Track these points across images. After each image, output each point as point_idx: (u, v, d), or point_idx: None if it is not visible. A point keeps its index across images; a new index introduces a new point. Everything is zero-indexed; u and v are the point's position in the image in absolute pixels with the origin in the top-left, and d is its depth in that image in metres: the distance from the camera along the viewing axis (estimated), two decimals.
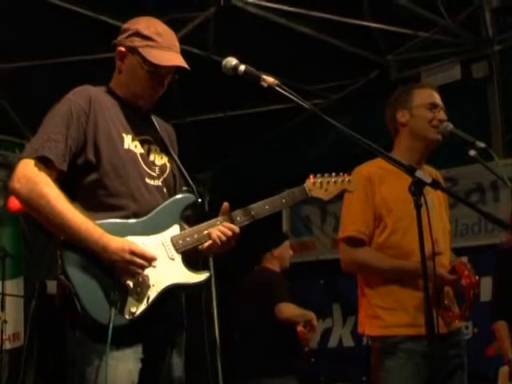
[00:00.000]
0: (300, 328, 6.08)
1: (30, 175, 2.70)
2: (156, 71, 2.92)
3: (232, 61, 2.79)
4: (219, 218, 2.92)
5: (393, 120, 3.84)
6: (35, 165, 2.71)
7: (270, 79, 2.73)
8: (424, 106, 3.74)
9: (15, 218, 7.44)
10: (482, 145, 3.46)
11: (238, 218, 2.93)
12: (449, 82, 7.19)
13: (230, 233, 2.88)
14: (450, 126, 3.59)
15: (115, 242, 2.68)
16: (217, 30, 6.53)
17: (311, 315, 6.18)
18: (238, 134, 7.99)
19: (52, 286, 6.17)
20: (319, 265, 7.74)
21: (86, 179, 2.80)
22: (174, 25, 6.26)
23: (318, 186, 3.13)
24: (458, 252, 4.05)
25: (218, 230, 2.88)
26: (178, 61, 2.97)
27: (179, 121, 7.63)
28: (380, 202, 3.68)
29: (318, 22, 6.72)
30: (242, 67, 2.77)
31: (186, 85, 6.90)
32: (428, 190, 2.74)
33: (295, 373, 6.10)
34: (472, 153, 3.47)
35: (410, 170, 2.69)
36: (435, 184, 2.68)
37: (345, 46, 7.15)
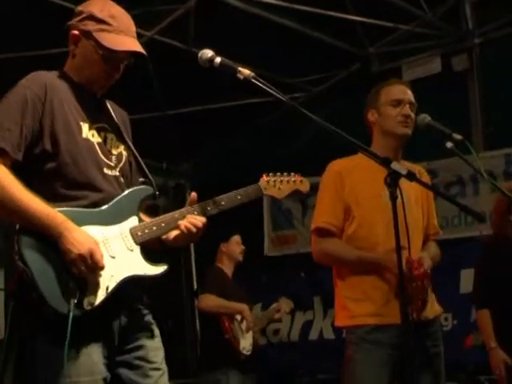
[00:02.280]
0: (223, 318, 6.14)
1: None
2: (111, 56, 2.84)
3: (208, 53, 2.77)
4: (177, 212, 2.91)
5: (366, 120, 3.95)
6: None
7: (246, 71, 2.72)
8: (388, 104, 3.84)
9: None
10: (459, 137, 3.49)
11: (195, 213, 2.92)
12: (429, 74, 7.23)
13: (200, 224, 2.88)
14: (428, 118, 3.61)
15: (79, 233, 2.63)
16: (197, 22, 6.50)
17: (240, 307, 6.27)
18: (219, 127, 7.98)
19: None
20: (300, 258, 7.74)
21: (42, 169, 2.73)
22: (155, 17, 6.31)
23: (271, 184, 3.19)
24: (438, 244, 4.07)
25: (188, 221, 2.87)
26: (134, 46, 2.89)
27: (160, 113, 7.63)
28: (349, 195, 3.78)
29: (299, 14, 6.71)
30: (218, 59, 2.75)
31: (166, 78, 6.94)
32: (405, 184, 2.75)
33: (231, 366, 6.13)
34: (449, 145, 3.50)
35: (385, 162, 2.70)
36: (411, 176, 2.69)
37: (326, 38, 7.14)
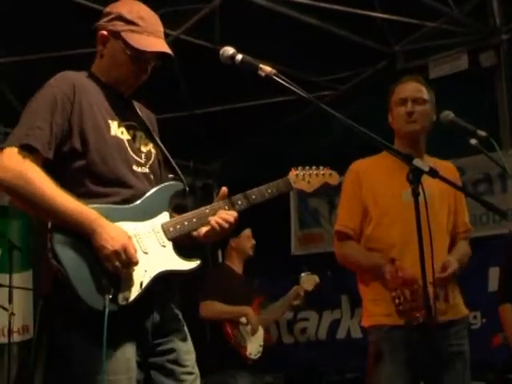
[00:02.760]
0: (226, 324, 6.02)
1: (15, 164, 2.63)
2: (139, 57, 2.87)
3: (229, 50, 2.76)
4: (208, 207, 2.93)
5: None
6: (19, 153, 2.64)
7: (267, 68, 2.70)
8: (395, 104, 3.85)
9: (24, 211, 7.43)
10: (483, 134, 3.46)
11: (226, 207, 2.94)
12: (456, 71, 7.17)
13: (231, 218, 2.90)
14: (451, 114, 3.58)
15: (112, 229, 2.65)
16: (223, 21, 6.51)
17: (243, 310, 6.08)
18: (246, 125, 7.98)
19: None
20: (327, 257, 7.70)
21: (71, 166, 2.75)
22: (180, 16, 6.33)
23: (300, 178, 3.19)
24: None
25: (220, 216, 2.89)
26: (162, 46, 2.91)
27: (187, 113, 7.66)
28: (366, 195, 3.79)
29: (325, 12, 6.70)
30: (240, 56, 2.74)
31: (192, 77, 6.96)
32: (428, 180, 2.73)
33: (239, 368, 6.01)
34: (473, 142, 3.47)
35: (407, 159, 2.68)
36: (433, 173, 2.67)
37: (352, 36, 7.12)
